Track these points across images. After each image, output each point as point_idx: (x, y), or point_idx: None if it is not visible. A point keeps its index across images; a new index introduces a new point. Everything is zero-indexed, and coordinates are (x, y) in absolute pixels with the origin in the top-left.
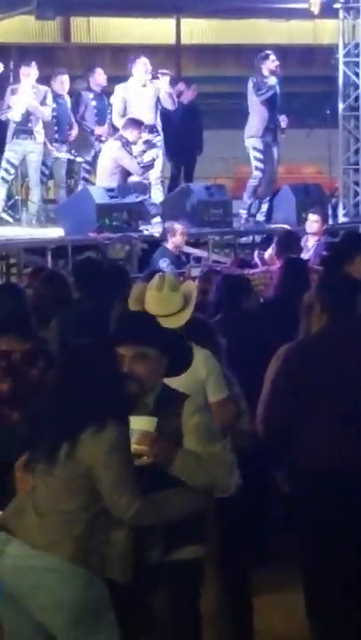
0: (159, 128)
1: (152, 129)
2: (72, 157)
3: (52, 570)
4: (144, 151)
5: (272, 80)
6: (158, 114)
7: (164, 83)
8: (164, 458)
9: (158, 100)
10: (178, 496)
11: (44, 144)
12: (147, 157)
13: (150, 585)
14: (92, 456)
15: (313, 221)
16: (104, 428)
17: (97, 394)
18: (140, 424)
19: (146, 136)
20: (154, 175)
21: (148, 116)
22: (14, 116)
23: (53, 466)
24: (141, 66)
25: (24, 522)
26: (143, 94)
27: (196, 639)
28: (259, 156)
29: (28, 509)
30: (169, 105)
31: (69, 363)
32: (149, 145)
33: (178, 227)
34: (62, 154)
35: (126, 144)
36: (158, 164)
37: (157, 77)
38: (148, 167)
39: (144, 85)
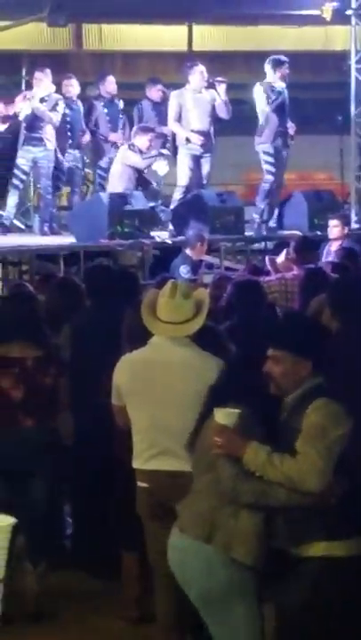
0: (212, 135)
1: (206, 135)
2: (80, 167)
3: (184, 550)
4: (201, 156)
5: (279, 84)
6: (212, 121)
7: (220, 90)
8: (230, 450)
9: (213, 107)
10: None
11: (55, 151)
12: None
13: (278, 575)
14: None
15: (333, 227)
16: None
17: (227, 383)
18: (219, 417)
19: (202, 141)
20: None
21: (203, 122)
22: (20, 115)
23: (192, 450)
24: (198, 74)
25: (179, 508)
26: (199, 101)
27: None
28: (270, 159)
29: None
30: (223, 114)
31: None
32: (205, 149)
33: (205, 236)
34: (71, 163)
35: (136, 149)
36: (206, 168)
37: (214, 85)
38: (152, 158)
39: (200, 92)
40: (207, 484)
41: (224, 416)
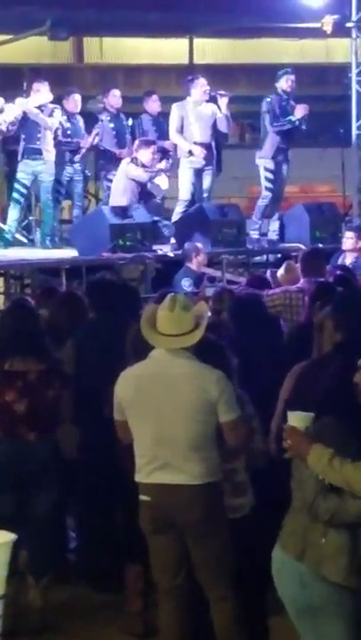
0: (213, 148)
1: (208, 148)
2: (80, 181)
3: (281, 564)
4: (203, 169)
5: (295, 112)
6: (212, 134)
7: (222, 104)
8: (297, 452)
9: (215, 121)
10: None
11: (64, 157)
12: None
13: None
14: None
15: (348, 238)
16: (318, 419)
17: (322, 395)
18: (291, 419)
19: (204, 154)
20: (164, 186)
21: (204, 135)
22: (7, 117)
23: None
24: (200, 87)
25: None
26: (200, 114)
27: None
28: (269, 176)
29: None
30: (223, 127)
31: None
32: (207, 163)
33: (201, 246)
34: (71, 177)
35: (139, 163)
36: (207, 181)
37: (215, 99)
38: (155, 173)
39: (201, 105)
40: (300, 502)
41: (297, 418)
